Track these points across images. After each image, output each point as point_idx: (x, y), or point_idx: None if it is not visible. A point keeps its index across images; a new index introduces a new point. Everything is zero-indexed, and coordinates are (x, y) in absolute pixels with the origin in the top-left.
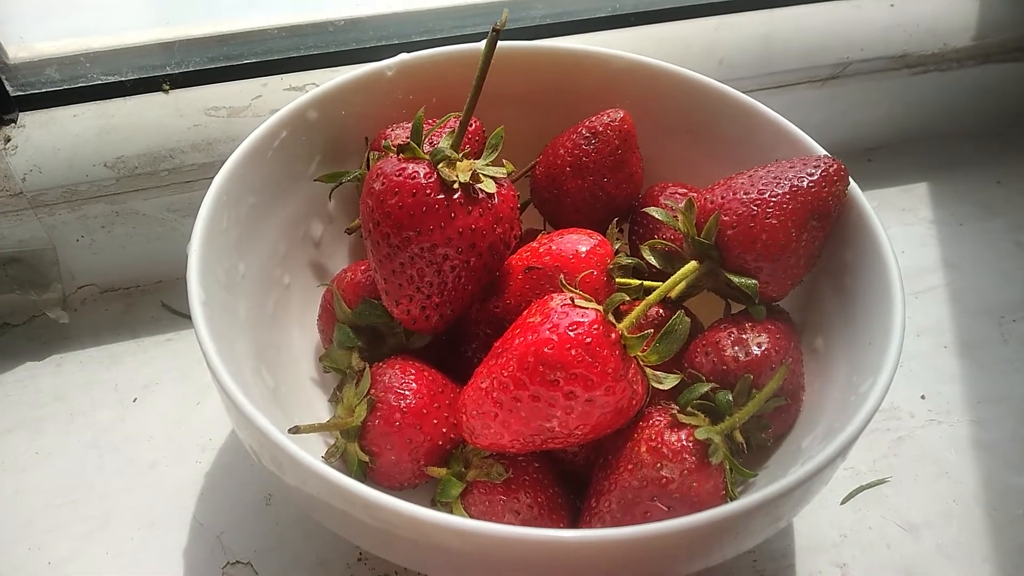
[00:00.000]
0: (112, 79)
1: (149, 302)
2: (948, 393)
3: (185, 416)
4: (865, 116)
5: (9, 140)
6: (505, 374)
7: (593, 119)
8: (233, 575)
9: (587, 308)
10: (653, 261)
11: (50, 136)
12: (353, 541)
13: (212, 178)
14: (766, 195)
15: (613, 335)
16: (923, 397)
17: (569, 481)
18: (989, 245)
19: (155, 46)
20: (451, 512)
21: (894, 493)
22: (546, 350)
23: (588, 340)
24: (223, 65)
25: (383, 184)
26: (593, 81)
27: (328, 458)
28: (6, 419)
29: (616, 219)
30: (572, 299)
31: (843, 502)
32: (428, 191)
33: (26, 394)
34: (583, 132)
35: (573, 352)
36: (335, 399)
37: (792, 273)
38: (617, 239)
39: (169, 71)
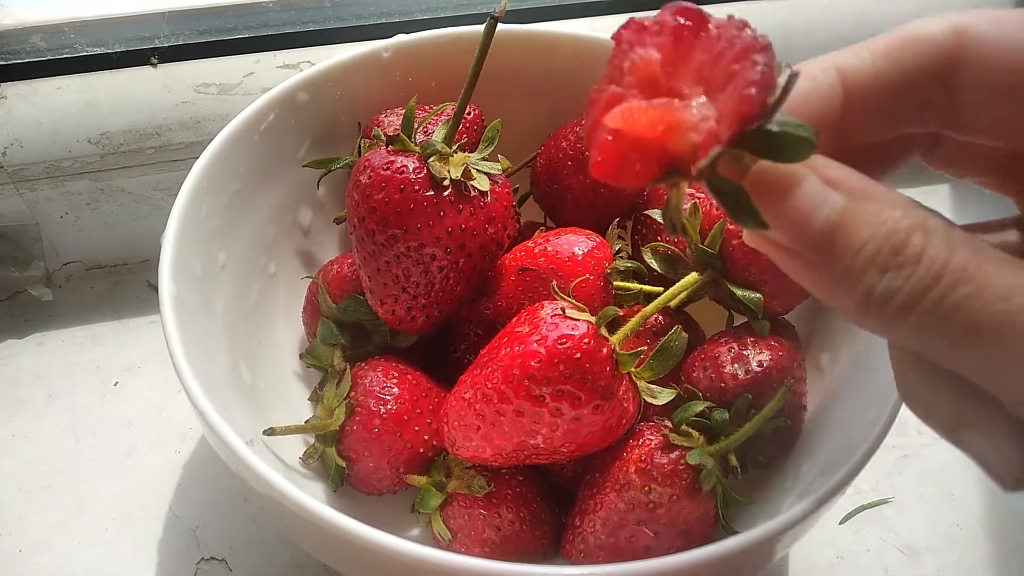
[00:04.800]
0: (98, 51)
1: (135, 281)
2: None
3: (166, 403)
4: None
5: None
6: (489, 386)
7: None
8: (207, 571)
9: (578, 320)
10: (654, 265)
11: (33, 109)
12: (320, 559)
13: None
14: None
15: (604, 350)
16: None
17: (555, 493)
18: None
19: (144, 16)
20: (430, 524)
21: (896, 514)
22: (533, 364)
23: (577, 355)
24: (214, 39)
25: (369, 178)
26: (598, 69)
27: (306, 459)
28: None
29: (618, 218)
30: (563, 309)
31: (841, 522)
32: (416, 187)
33: (5, 372)
34: None
35: (561, 367)
36: (315, 398)
37: (799, 288)
38: (619, 238)
39: (158, 44)
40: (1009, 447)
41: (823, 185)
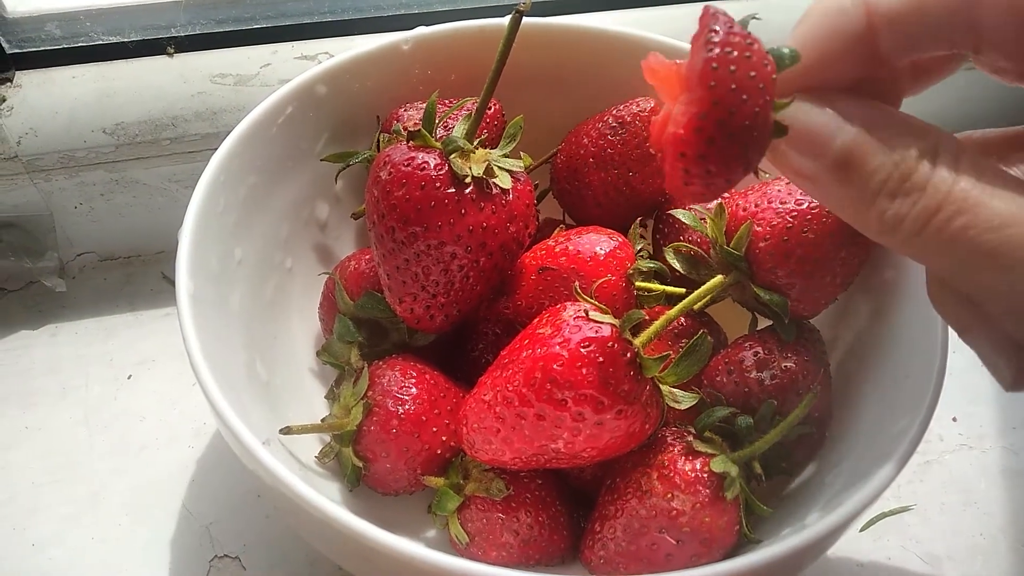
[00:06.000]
0: (114, 39)
1: (150, 273)
2: (982, 416)
3: (180, 397)
4: (917, 112)
5: (4, 100)
6: (510, 388)
7: (621, 107)
8: (221, 569)
9: (602, 323)
10: (677, 266)
11: (48, 98)
12: (334, 560)
13: (216, 149)
14: (804, 206)
15: (628, 354)
16: (955, 419)
17: (574, 496)
18: None
19: (161, 5)
20: (446, 526)
21: (917, 522)
22: (555, 367)
23: (601, 359)
24: (232, 29)
25: (390, 174)
26: (623, 65)
27: (322, 458)
28: None
29: (640, 217)
30: (586, 311)
31: (862, 529)
32: (438, 184)
33: (19, 364)
34: (609, 121)
35: (584, 371)
36: (332, 396)
37: (827, 292)
38: (641, 238)
39: (174, 33)
40: (1006, 354)
41: (839, 117)
